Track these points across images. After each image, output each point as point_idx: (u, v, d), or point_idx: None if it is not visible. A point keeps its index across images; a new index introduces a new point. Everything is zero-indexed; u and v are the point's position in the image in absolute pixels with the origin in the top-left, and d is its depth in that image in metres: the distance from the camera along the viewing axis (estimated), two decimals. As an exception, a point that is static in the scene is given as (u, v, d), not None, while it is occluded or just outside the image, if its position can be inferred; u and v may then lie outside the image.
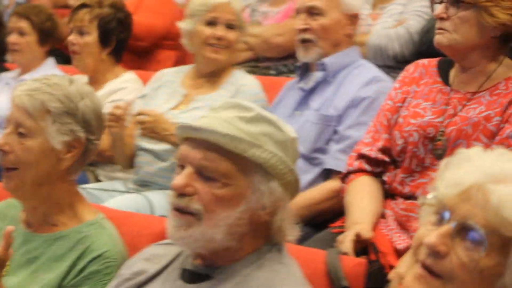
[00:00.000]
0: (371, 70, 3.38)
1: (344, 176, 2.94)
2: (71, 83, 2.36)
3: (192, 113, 3.54)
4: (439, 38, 2.74)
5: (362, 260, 2.38)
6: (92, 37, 4.05)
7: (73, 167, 2.36)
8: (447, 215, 1.53)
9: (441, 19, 2.73)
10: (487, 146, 2.61)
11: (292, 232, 1.99)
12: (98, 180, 3.87)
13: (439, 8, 2.74)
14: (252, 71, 4.40)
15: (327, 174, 3.24)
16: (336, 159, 3.20)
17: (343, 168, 3.02)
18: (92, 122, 2.36)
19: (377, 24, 4.06)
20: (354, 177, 2.89)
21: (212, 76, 3.67)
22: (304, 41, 3.39)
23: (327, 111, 3.28)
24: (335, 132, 3.25)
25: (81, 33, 4.05)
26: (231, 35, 3.64)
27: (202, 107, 3.55)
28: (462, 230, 1.50)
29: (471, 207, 1.50)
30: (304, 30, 3.40)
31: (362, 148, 2.91)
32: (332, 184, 3.16)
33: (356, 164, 2.90)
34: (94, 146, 2.38)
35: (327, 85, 3.36)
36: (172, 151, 3.45)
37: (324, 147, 3.25)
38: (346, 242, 2.54)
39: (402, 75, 2.95)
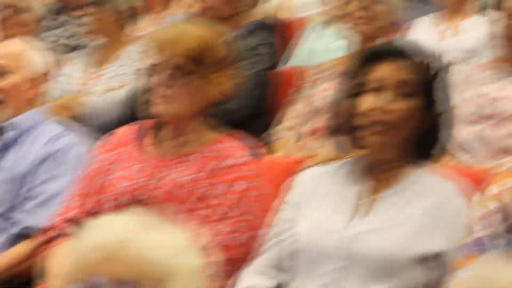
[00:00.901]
0: (57, 126, 3.42)
1: (49, 240, 2.85)
2: None
3: None
4: (162, 107, 2.72)
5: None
6: None
7: None
8: (93, 282, 1.51)
9: (164, 86, 2.71)
10: (196, 208, 2.66)
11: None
12: None
13: (162, 76, 2.72)
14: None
15: (23, 234, 3.18)
16: (32, 216, 3.17)
17: (40, 224, 3.01)
18: None
19: (97, 85, 4.02)
20: (61, 241, 2.81)
21: None
22: None
23: (19, 169, 3.26)
24: (29, 189, 3.23)
25: None
26: None
27: None
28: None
29: (116, 265, 1.51)
30: None
31: (70, 212, 2.85)
32: (29, 244, 3.12)
33: (63, 227, 2.83)
34: None
35: (18, 144, 3.35)
36: None
37: (19, 206, 3.22)
38: None
39: (112, 138, 2.93)
